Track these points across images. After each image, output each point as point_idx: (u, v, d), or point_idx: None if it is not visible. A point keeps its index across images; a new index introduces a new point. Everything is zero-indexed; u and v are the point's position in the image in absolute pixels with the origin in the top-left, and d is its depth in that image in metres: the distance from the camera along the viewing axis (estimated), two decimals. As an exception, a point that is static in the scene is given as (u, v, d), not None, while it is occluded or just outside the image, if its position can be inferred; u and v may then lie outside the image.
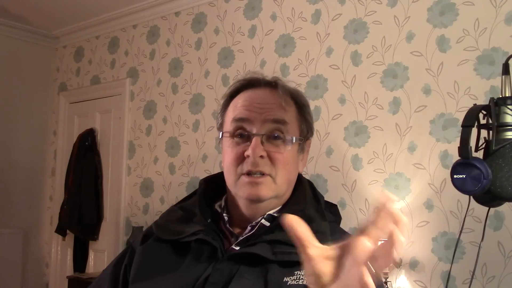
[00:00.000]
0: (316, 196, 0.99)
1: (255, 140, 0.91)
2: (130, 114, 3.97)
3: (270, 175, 0.91)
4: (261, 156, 0.91)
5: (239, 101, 0.96)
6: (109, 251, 3.94)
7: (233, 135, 0.94)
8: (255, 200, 0.92)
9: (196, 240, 0.92)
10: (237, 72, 3.28)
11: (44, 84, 4.60)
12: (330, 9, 2.93)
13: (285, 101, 0.94)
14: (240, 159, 0.92)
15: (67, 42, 4.58)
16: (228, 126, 0.95)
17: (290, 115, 0.95)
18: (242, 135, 0.93)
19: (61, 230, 4.17)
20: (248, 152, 0.90)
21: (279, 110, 0.94)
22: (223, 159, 0.98)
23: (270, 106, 0.94)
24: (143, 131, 3.85)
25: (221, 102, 1.02)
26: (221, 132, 0.98)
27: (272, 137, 0.92)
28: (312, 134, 1.02)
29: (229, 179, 0.95)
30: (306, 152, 1.01)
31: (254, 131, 0.92)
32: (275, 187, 0.92)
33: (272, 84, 0.98)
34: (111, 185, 4.03)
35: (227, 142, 0.95)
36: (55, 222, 4.26)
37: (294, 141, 0.94)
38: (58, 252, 4.37)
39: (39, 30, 4.46)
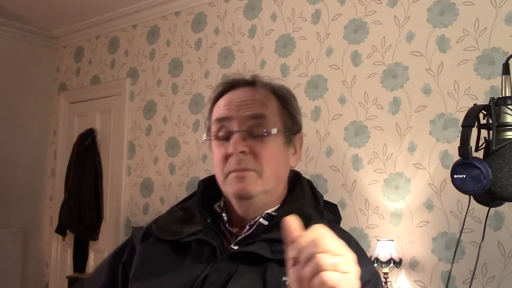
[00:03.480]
0: (315, 195, 0.99)
1: (235, 137, 0.91)
2: (130, 114, 3.97)
3: (255, 170, 0.91)
4: (244, 152, 0.91)
5: (221, 104, 0.97)
6: (109, 251, 3.91)
7: (217, 136, 0.95)
8: (245, 196, 0.92)
9: (195, 240, 0.92)
10: (237, 72, 3.28)
11: (44, 84, 4.60)
12: (330, 9, 2.93)
13: (264, 95, 0.95)
14: (225, 158, 0.93)
15: (67, 42, 4.58)
16: (213, 128, 0.97)
17: (270, 109, 0.95)
18: (225, 137, 0.94)
19: (61, 230, 4.16)
20: (230, 149, 0.91)
21: (257, 105, 0.94)
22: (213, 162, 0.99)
23: (248, 102, 0.94)
24: (143, 131, 3.85)
25: (208, 107, 1.02)
26: (208, 135, 0.99)
27: (254, 132, 0.93)
28: (299, 127, 1.01)
29: (219, 179, 0.96)
30: (299, 147, 1.01)
31: (235, 128, 0.92)
32: (262, 181, 0.92)
33: (251, 82, 0.99)
34: (111, 185, 4.03)
35: (214, 144, 0.96)
36: (55, 222, 4.25)
37: (275, 132, 0.93)
38: (58, 252, 4.37)
39: (39, 30, 4.46)
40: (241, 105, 0.94)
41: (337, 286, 0.56)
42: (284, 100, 0.99)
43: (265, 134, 0.93)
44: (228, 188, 0.93)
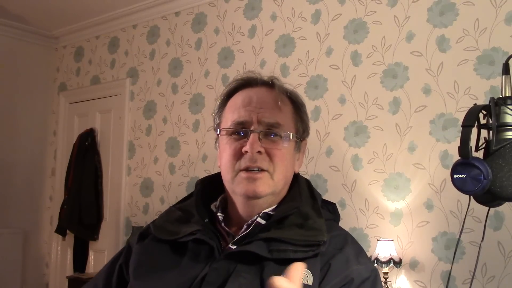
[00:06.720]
0: (313, 194, 0.99)
1: (252, 137, 0.92)
2: (130, 114, 3.97)
3: (267, 171, 0.92)
4: (259, 152, 0.92)
5: (238, 101, 0.97)
6: (109, 251, 3.94)
7: (230, 133, 0.95)
8: (252, 197, 0.92)
9: (193, 240, 0.93)
10: (237, 72, 3.28)
11: (44, 84, 4.60)
12: (330, 9, 2.93)
13: (281, 100, 0.96)
14: (238, 155, 0.93)
15: (67, 42, 4.58)
16: (228, 125, 0.96)
17: (286, 115, 0.96)
18: (239, 132, 0.94)
19: (61, 230, 4.16)
20: (246, 148, 0.91)
21: (275, 110, 0.95)
22: (219, 157, 0.99)
23: (266, 105, 0.95)
24: (143, 131, 3.85)
25: (217, 102, 1.02)
26: (218, 130, 0.99)
27: (270, 134, 0.94)
28: (308, 134, 1.02)
29: (226, 176, 0.96)
30: (302, 153, 1.02)
31: (252, 128, 0.93)
32: (273, 183, 0.93)
33: (269, 83, 0.99)
34: (111, 185, 4.03)
35: (224, 140, 0.96)
36: (55, 222, 4.25)
37: (291, 137, 0.95)
38: (58, 252, 4.37)
39: (39, 30, 4.46)
40: (260, 107, 0.94)
41: None
42: (299, 106, 1.00)
43: (281, 137, 0.94)
44: (237, 187, 0.93)
